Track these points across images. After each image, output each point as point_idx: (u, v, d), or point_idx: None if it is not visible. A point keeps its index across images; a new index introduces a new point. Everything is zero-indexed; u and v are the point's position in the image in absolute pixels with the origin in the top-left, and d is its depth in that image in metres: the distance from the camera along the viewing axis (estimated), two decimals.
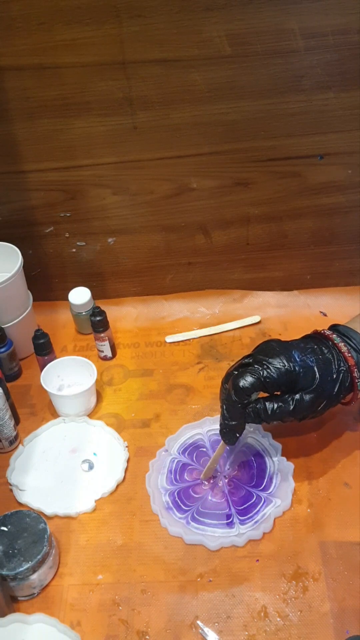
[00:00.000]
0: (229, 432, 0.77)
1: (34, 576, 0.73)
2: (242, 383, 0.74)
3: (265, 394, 0.76)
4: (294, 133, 0.93)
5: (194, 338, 1.06)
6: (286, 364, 0.74)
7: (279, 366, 0.74)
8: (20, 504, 0.84)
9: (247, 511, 0.79)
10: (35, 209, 1.02)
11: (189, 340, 1.06)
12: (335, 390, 0.76)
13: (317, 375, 0.75)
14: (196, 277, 1.11)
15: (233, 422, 0.76)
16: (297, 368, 0.74)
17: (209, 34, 0.84)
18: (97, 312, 0.99)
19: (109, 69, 0.87)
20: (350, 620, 0.69)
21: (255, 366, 0.75)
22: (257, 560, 0.76)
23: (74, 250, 1.07)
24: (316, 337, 0.80)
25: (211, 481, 0.83)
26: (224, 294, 1.11)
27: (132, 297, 1.13)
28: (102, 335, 1.01)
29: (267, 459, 0.85)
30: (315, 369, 0.75)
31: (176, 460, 0.86)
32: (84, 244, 1.07)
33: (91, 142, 0.95)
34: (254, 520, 0.78)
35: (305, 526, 0.78)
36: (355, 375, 0.77)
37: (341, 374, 0.76)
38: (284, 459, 0.85)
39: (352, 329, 0.80)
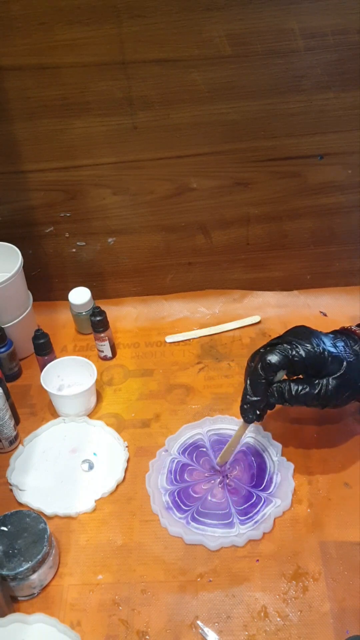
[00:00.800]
0: (250, 409, 0.78)
1: (34, 576, 0.73)
2: (269, 358, 0.75)
3: (291, 378, 0.78)
4: (294, 133, 0.93)
5: (194, 338, 1.06)
6: (315, 347, 0.75)
7: (308, 348, 0.75)
8: (20, 504, 0.84)
9: (247, 511, 0.79)
10: (35, 209, 1.02)
11: (189, 340, 1.06)
12: None
13: (345, 363, 0.76)
14: (196, 277, 1.11)
15: (255, 398, 0.77)
16: (326, 353, 0.75)
17: (209, 34, 0.84)
18: (97, 312, 0.99)
19: (109, 69, 0.87)
20: (350, 620, 0.69)
21: (285, 345, 0.76)
22: (257, 560, 0.76)
23: (74, 250, 1.07)
24: (344, 332, 0.81)
25: (226, 466, 0.84)
26: (224, 294, 1.11)
27: (132, 297, 1.13)
28: (102, 335, 1.01)
29: (267, 459, 0.85)
30: (344, 356, 0.76)
31: (176, 461, 0.86)
32: (84, 244, 1.07)
33: (91, 142, 0.95)
34: (254, 520, 0.78)
35: (305, 526, 0.78)
36: None
37: None
38: (284, 459, 0.85)
39: None
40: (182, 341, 1.06)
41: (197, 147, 0.95)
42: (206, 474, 0.84)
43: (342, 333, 0.81)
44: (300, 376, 0.78)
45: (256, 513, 0.79)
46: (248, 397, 0.78)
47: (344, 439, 0.87)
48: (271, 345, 0.78)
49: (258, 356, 0.78)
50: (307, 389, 0.76)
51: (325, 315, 1.07)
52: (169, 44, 0.85)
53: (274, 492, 0.81)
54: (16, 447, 0.91)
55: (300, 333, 0.78)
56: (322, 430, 0.89)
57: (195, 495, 0.82)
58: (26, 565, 0.72)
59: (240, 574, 0.75)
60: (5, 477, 0.87)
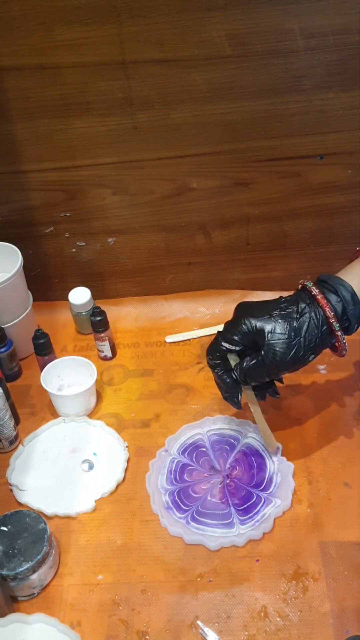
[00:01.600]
0: (228, 397, 0.80)
1: (34, 576, 0.73)
2: (209, 356, 0.79)
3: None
4: (294, 133, 0.93)
5: (194, 338, 1.06)
6: (246, 324, 0.76)
7: (241, 329, 0.76)
8: (20, 504, 0.84)
9: (247, 511, 0.79)
10: (35, 209, 1.02)
11: (189, 340, 1.06)
12: (302, 335, 0.74)
13: (273, 326, 0.74)
14: (196, 277, 1.11)
15: (224, 388, 0.80)
16: (256, 326, 0.75)
17: (209, 34, 0.84)
18: (97, 312, 0.99)
19: (109, 69, 0.87)
20: (350, 620, 0.69)
21: (219, 337, 0.79)
22: (257, 560, 0.76)
23: (74, 250, 1.07)
24: (296, 292, 0.79)
25: (278, 452, 0.85)
26: (224, 294, 1.11)
27: (132, 297, 1.13)
28: (102, 335, 1.01)
29: (267, 459, 0.85)
30: (272, 321, 0.75)
31: (176, 461, 0.86)
32: (84, 244, 1.07)
33: (91, 142, 0.95)
34: (254, 520, 0.78)
35: (305, 526, 0.78)
36: (329, 314, 0.74)
37: (305, 318, 0.74)
38: (284, 459, 0.85)
39: (332, 275, 0.78)
40: (182, 341, 1.06)
41: (197, 147, 0.95)
42: (206, 474, 0.84)
43: (297, 292, 0.78)
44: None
45: (256, 513, 0.79)
46: (220, 389, 0.81)
47: (344, 439, 0.87)
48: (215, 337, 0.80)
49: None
50: (253, 362, 0.75)
51: None
52: (169, 44, 0.85)
53: (274, 492, 0.81)
54: (16, 447, 0.91)
55: (233, 316, 0.79)
56: (322, 430, 0.89)
57: (195, 495, 0.82)
58: (26, 565, 0.72)
59: (240, 574, 0.75)
60: (5, 477, 0.87)
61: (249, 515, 0.79)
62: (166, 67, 0.87)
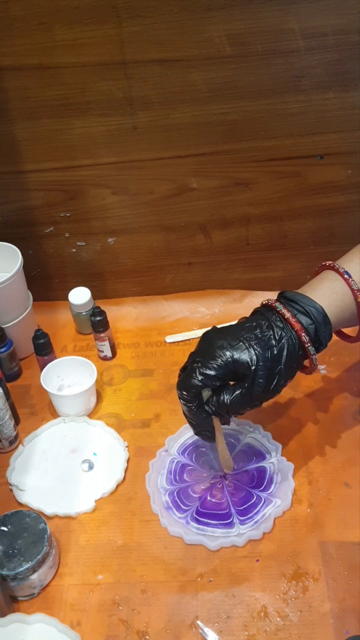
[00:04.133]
0: (202, 432, 0.76)
1: (34, 576, 0.73)
2: (182, 392, 0.73)
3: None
4: (294, 133, 0.93)
5: (194, 338, 1.06)
6: (220, 357, 0.70)
7: (213, 364, 0.71)
8: (20, 504, 0.84)
9: (247, 511, 0.79)
10: (35, 209, 1.02)
11: (189, 340, 1.06)
12: (283, 363, 0.71)
13: (255, 356, 0.70)
14: (196, 277, 1.11)
15: (198, 424, 0.75)
16: (233, 357, 0.70)
17: (209, 34, 0.84)
18: (97, 312, 0.99)
19: (109, 69, 0.87)
20: (350, 620, 0.69)
21: (191, 372, 0.72)
22: (257, 560, 0.76)
23: (74, 250, 1.07)
24: (261, 311, 0.76)
25: (233, 470, 0.83)
26: (224, 294, 1.11)
27: (132, 297, 1.13)
28: (102, 335, 1.01)
29: (267, 459, 0.85)
30: (251, 350, 0.70)
31: (176, 461, 0.86)
32: (84, 244, 1.07)
33: (91, 142, 0.95)
34: (254, 520, 0.78)
35: (305, 526, 0.78)
36: (304, 339, 0.71)
37: (284, 345, 0.71)
38: (284, 459, 0.85)
39: (299, 293, 0.75)
40: (182, 341, 1.06)
41: (197, 147, 0.95)
42: (205, 474, 0.84)
43: (259, 312, 0.75)
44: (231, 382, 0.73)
45: (256, 513, 0.79)
46: (191, 424, 0.76)
47: (344, 439, 0.87)
48: (183, 370, 0.74)
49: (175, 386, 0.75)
50: (237, 394, 0.71)
51: None
52: (169, 44, 0.85)
53: (274, 492, 0.81)
54: (16, 447, 0.91)
55: (203, 347, 0.73)
56: (322, 430, 0.89)
57: (194, 495, 0.82)
58: (26, 565, 0.72)
59: (240, 574, 0.75)
60: (5, 477, 0.87)
61: (249, 515, 0.79)
62: (166, 67, 0.87)
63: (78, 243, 1.07)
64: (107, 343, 1.02)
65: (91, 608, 0.73)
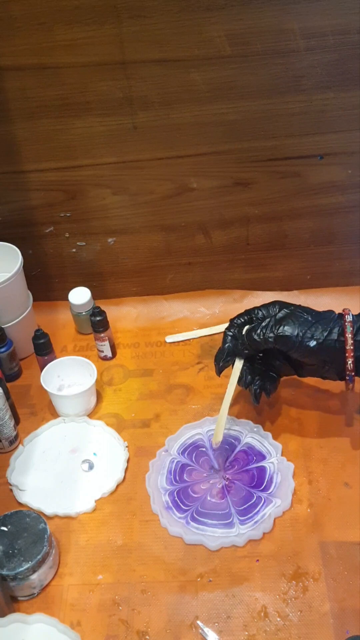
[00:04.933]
0: (217, 358, 0.85)
1: (34, 576, 0.73)
2: (241, 313, 0.85)
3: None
4: (294, 133, 0.93)
5: (194, 338, 1.06)
6: (278, 304, 0.82)
7: (270, 304, 0.83)
8: (20, 504, 0.84)
9: (247, 511, 0.79)
10: (35, 209, 1.02)
11: (189, 340, 1.06)
12: (311, 316, 0.79)
13: (296, 308, 0.81)
14: (196, 277, 1.11)
15: (221, 348, 0.84)
16: (280, 304, 0.82)
17: (209, 34, 0.84)
18: (97, 312, 0.99)
19: (109, 69, 0.87)
20: (350, 620, 0.69)
21: (249, 309, 0.84)
22: (257, 560, 0.76)
23: (74, 250, 1.07)
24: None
25: (217, 447, 0.85)
26: (224, 294, 1.11)
27: (132, 297, 1.13)
28: (102, 335, 1.01)
29: (267, 459, 0.85)
30: (295, 307, 0.81)
31: (176, 461, 0.86)
32: (84, 244, 1.07)
33: (91, 142, 0.95)
34: (254, 521, 0.78)
35: (305, 526, 0.78)
36: (347, 318, 0.78)
37: (321, 316, 0.79)
38: (284, 459, 0.85)
39: None
40: (182, 341, 1.06)
41: (197, 147, 0.95)
42: (205, 474, 0.84)
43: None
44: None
45: (256, 513, 0.79)
46: (219, 350, 0.85)
47: (344, 439, 0.87)
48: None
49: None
50: (265, 321, 0.80)
51: None
52: (169, 44, 0.85)
53: (274, 492, 0.81)
54: (16, 447, 0.91)
55: (272, 302, 0.83)
56: (322, 431, 0.89)
57: (194, 495, 0.82)
58: (26, 565, 0.72)
59: (240, 574, 0.75)
60: (5, 477, 0.87)
61: (249, 515, 0.79)
62: (166, 67, 0.87)
63: (78, 243, 1.07)
64: (107, 343, 1.02)
65: (91, 608, 0.73)
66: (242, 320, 0.84)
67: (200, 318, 1.09)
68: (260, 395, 0.85)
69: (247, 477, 0.83)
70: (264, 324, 0.79)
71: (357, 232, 1.04)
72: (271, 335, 0.78)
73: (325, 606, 0.71)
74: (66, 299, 1.05)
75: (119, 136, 0.94)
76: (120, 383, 1.00)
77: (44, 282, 1.10)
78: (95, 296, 1.06)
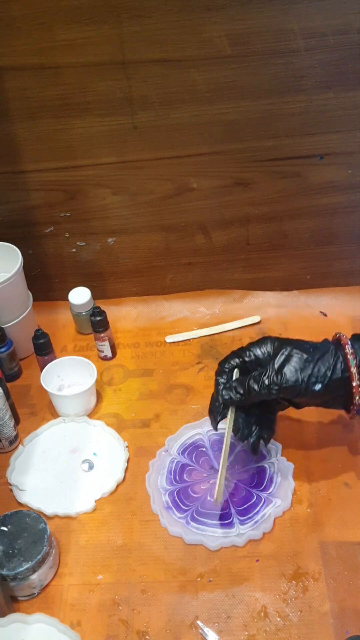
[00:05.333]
0: (212, 411, 0.79)
1: (34, 576, 0.73)
2: (220, 362, 0.79)
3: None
4: (294, 133, 0.93)
5: (194, 338, 1.06)
6: (265, 342, 0.77)
7: (258, 343, 0.78)
8: (20, 504, 0.84)
9: (247, 511, 0.79)
10: (35, 209, 1.02)
11: (189, 340, 1.06)
12: (316, 360, 0.73)
13: (292, 346, 0.75)
14: (196, 277, 1.11)
15: (215, 399, 0.79)
16: (275, 344, 0.76)
17: (209, 34, 0.84)
18: (97, 312, 0.99)
19: (109, 69, 0.87)
20: (350, 620, 0.69)
21: (239, 350, 0.79)
22: (257, 560, 0.76)
23: (74, 250, 1.07)
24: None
25: (219, 505, 0.80)
26: (224, 294, 1.11)
27: (132, 297, 1.13)
28: (102, 335, 1.01)
29: (267, 459, 0.85)
30: (292, 344, 0.75)
31: (176, 461, 0.86)
32: (84, 244, 1.07)
33: (91, 142, 0.95)
34: (254, 521, 0.78)
35: (305, 526, 0.78)
36: (347, 350, 0.73)
37: (325, 349, 0.74)
38: (284, 459, 0.85)
39: None
40: (182, 341, 1.06)
41: (197, 147, 0.95)
42: (205, 474, 0.84)
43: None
44: None
45: (256, 513, 0.79)
46: (212, 400, 0.80)
47: (344, 439, 0.87)
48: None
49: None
50: (258, 371, 0.75)
51: (325, 315, 1.07)
52: (169, 44, 0.85)
53: (274, 492, 0.81)
54: (16, 447, 0.91)
55: (261, 337, 0.79)
56: (322, 430, 0.89)
57: (194, 495, 0.82)
58: (26, 565, 0.72)
59: (240, 574, 0.75)
60: (5, 477, 0.87)
61: (249, 515, 0.79)
62: (166, 67, 0.87)
63: (78, 243, 1.07)
64: (107, 343, 1.02)
65: (91, 608, 0.73)
66: (233, 364, 0.78)
67: (200, 318, 1.09)
68: (259, 445, 0.79)
69: (247, 477, 0.83)
70: (264, 375, 0.74)
71: (357, 232, 1.04)
72: (275, 387, 0.73)
73: (325, 606, 0.71)
74: (66, 299, 1.05)
75: (119, 136, 0.94)
76: (120, 383, 1.00)
77: (44, 282, 1.10)
78: (95, 296, 1.06)
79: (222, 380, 0.78)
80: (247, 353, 0.78)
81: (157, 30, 0.84)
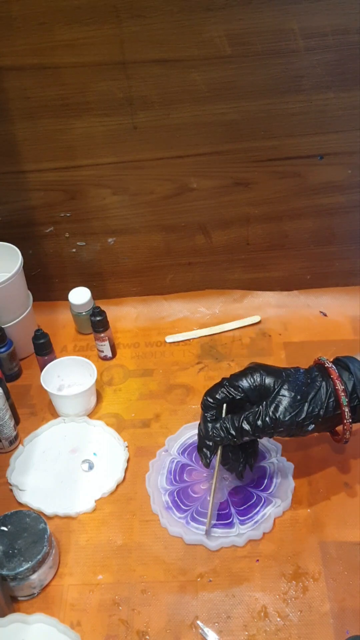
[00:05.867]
0: (203, 448, 0.76)
1: (34, 576, 0.73)
2: (206, 393, 0.76)
3: None
4: (294, 133, 0.93)
5: (194, 338, 1.06)
6: (253, 374, 0.74)
7: (244, 377, 0.75)
8: (20, 504, 0.84)
9: (247, 511, 0.79)
10: (35, 209, 1.02)
11: (189, 340, 1.06)
12: (309, 399, 0.72)
13: (282, 382, 0.73)
14: (196, 277, 1.11)
15: (204, 436, 0.76)
16: (263, 378, 0.74)
17: (209, 34, 0.84)
18: (97, 312, 0.99)
19: (109, 69, 0.87)
20: (350, 620, 0.69)
21: (225, 378, 0.76)
22: (257, 560, 0.76)
23: (74, 250, 1.07)
24: (311, 367, 0.77)
25: (209, 534, 0.78)
26: (224, 294, 1.11)
27: (132, 297, 1.13)
28: (102, 335, 1.01)
29: (267, 459, 0.85)
30: (281, 379, 0.73)
31: (176, 461, 0.86)
32: (84, 244, 1.07)
33: (91, 142, 0.95)
34: (254, 521, 0.78)
35: (305, 526, 0.78)
36: (339, 387, 0.72)
37: (315, 385, 0.73)
38: (284, 459, 0.85)
39: (349, 356, 0.76)
40: (182, 341, 1.06)
41: (197, 147, 0.95)
42: (205, 474, 0.84)
43: (312, 367, 0.77)
44: None
45: (256, 513, 0.79)
46: (199, 437, 0.77)
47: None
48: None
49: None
50: (251, 412, 0.73)
51: (325, 315, 1.07)
52: (169, 44, 0.85)
53: (274, 492, 0.81)
54: (16, 447, 0.91)
55: (246, 367, 0.77)
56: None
57: (194, 495, 0.82)
58: (26, 565, 0.72)
59: (240, 574, 0.75)
60: (5, 477, 0.87)
61: (249, 515, 0.79)
62: (166, 67, 0.87)
63: (78, 243, 1.07)
64: (107, 343, 1.02)
65: (91, 608, 0.73)
66: (219, 398, 0.75)
67: (200, 318, 1.09)
68: (245, 471, 0.80)
69: (247, 477, 0.83)
70: (257, 418, 0.72)
71: (357, 232, 1.04)
72: (270, 431, 0.73)
73: (325, 606, 0.71)
74: (66, 299, 1.05)
75: (119, 136, 0.94)
76: (120, 383, 1.00)
77: (44, 282, 1.10)
78: (95, 296, 1.06)
79: (209, 416, 0.76)
80: (236, 389, 0.75)
81: (157, 30, 0.84)
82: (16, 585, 0.72)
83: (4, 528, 0.75)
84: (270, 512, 0.79)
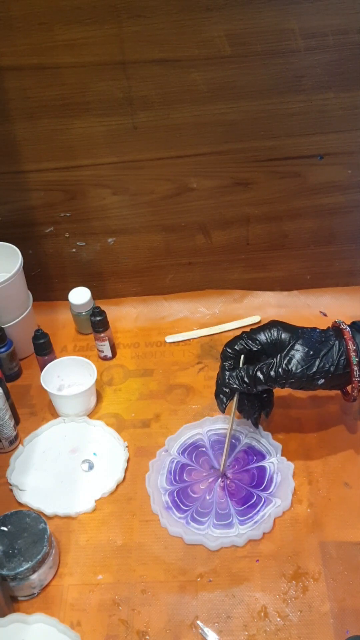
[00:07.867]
0: (220, 395, 0.82)
1: (34, 576, 0.73)
2: (226, 344, 0.81)
3: None
4: (294, 133, 0.93)
5: (194, 338, 1.06)
6: (271, 329, 0.80)
7: (263, 331, 0.80)
8: (20, 504, 0.84)
9: (247, 511, 0.79)
10: (35, 209, 1.02)
11: (189, 340, 1.06)
12: (320, 355, 0.76)
13: (297, 337, 0.78)
14: (196, 277, 1.11)
15: (221, 383, 0.81)
16: (280, 333, 0.79)
17: (209, 34, 0.84)
18: (97, 312, 0.99)
19: (109, 69, 0.87)
20: (350, 620, 0.69)
21: (243, 333, 0.81)
22: (257, 560, 0.76)
23: (74, 250, 1.07)
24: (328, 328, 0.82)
25: (227, 468, 0.84)
26: (224, 294, 1.11)
27: (132, 297, 1.13)
28: (102, 335, 1.01)
29: (267, 459, 0.85)
30: (297, 335, 0.78)
31: (176, 461, 0.86)
32: (84, 244, 1.07)
33: (91, 142, 0.95)
34: (254, 521, 0.78)
35: (305, 526, 0.78)
36: (350, 347, 0.76)
37: (328, 343, 0.77)
38: (284, 459, 0.85)
39: None
40: (182, 341, 1.06)
41: (197, 147, 0.95)
42: (205, 474, 0.84)
43: (329, 329, 0.82)
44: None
45: (256, 513, 0.79)
46: (217, 385, 0.82)
47: (344, 439, 0.87)
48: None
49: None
50: (265, 363, 0.78)
51: (325, 315, 1.07)
52: (169, 44, 0.85)
53: (274, 492, 0.81)
54: (16, 447, 0.91)
55: (266, 323, 0.82)
56: (322, 431, 0.89)
57: (194, 495, 0.82)
58: (26, 565, 0.72)
59: (240, 574, 0.75)
60: (5, 477, 0.87)
61: (249, 515, 0.79)
62: (166, 67, 0.87)
63: (78, 243, 1.07)
64: (107, 343, 1.02)
65: (91, 608, 0.73)
66: (238, 349, 0.81)
67: (200, 318, 1.09)
68: (260, 419, 0.86)
69: (247, 477, 0.83)
70: (271, 368, 0.77)
71: (357, 232, 1.04)
72: (282, 381, 0.77)
73: (325, 606, 0.71)
74: (66, 299, 1.05)
75: (119, 136, 0.94)
76: (120, 383, 1.00)
77: (44, 282, 1.10)
78: (95, 296, 1.06)
79: (227, 365, 0.81)
80: (253, 341, 0.80)
81: (157, 30, 0.84)
82: (16, 585, 0.72)
83: (4, 528, 0.75)
84: (270, 512, 0.79)
